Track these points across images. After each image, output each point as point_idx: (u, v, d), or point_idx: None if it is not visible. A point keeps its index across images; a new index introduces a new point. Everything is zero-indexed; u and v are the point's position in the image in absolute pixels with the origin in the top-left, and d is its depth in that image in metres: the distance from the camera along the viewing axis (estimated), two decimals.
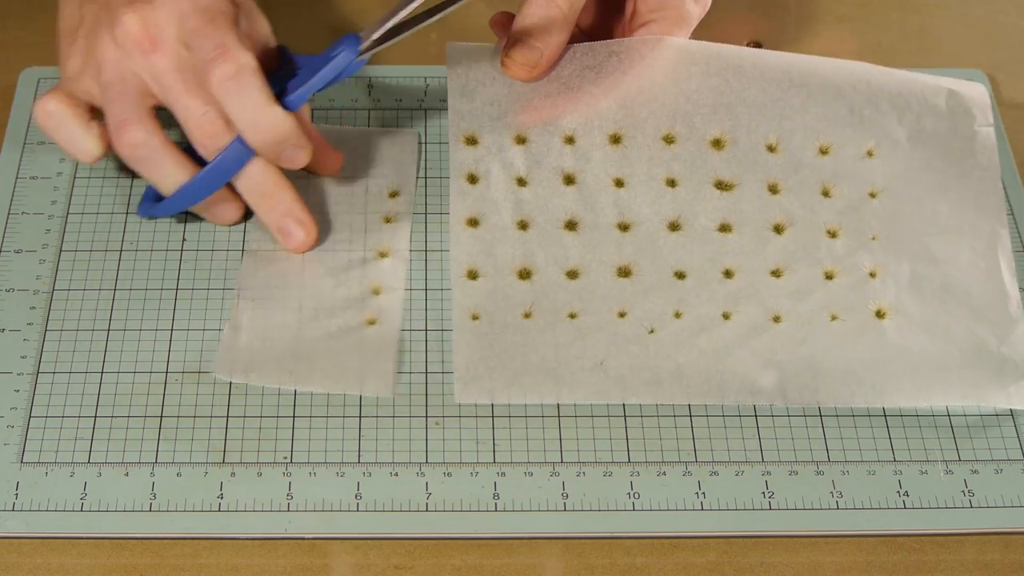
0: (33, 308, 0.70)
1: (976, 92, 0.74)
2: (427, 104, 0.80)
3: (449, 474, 0.65)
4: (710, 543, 0.63)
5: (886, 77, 0.74)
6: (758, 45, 0.84)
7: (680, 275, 0.70)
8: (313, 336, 0.68)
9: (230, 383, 0.67)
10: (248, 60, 0.66)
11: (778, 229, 0.71)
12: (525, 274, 0.70)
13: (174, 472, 0.64)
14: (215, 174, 0.68)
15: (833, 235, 0.71)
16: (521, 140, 0.72)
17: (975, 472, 0.65)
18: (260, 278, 0.70)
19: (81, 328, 0.69)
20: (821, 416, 0.67)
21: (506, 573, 0.62)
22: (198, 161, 0.69)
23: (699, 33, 0.74)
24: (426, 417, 0.66)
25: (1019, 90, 0.82)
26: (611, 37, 0.75)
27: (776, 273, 0.70)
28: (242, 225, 0.73)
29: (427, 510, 0.63)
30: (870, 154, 0.73)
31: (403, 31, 0.69)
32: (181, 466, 0.64)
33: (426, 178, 0.76)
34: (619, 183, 0.72)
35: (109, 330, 0.69)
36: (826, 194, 0.72)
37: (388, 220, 0.73)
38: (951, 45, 0.85)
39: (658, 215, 0.71)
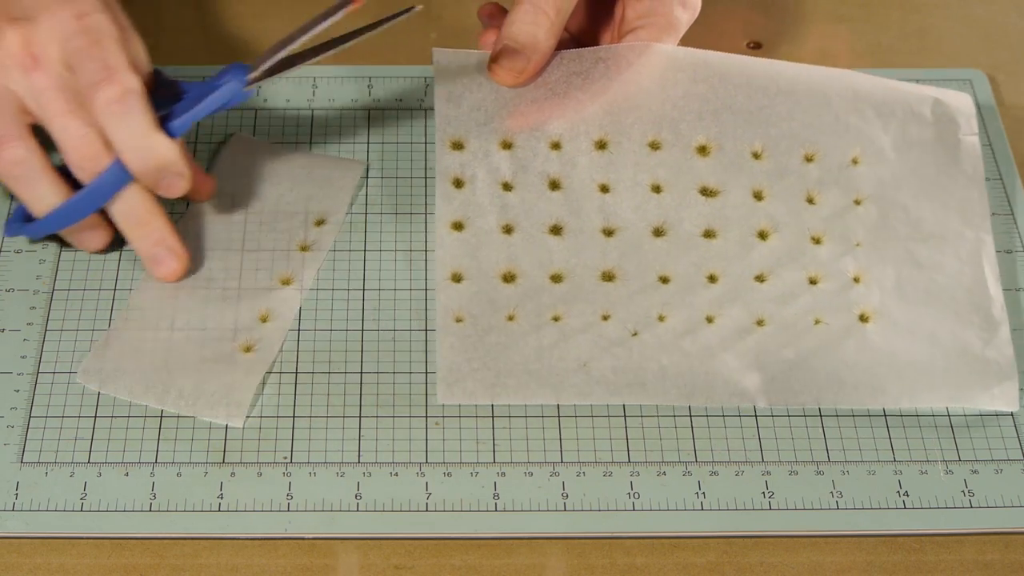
0: (33, 308, 0.70)
1: (961, 101, 0.75)
2: (427, 104, 0.80)
3: (449, 474, 0.65)
4: (710, 543, 0.63)
5: (871, 85, 0.74)
6: (758, 45, 0.84)
7: (664, 279, 0.70)
8: (184, 356, 0.67)
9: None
10: (135, 84, 0.64)
11: (762, 235, 0.71)
12: (509, 277, 0.70)
13: (174, 472, 0.64)
14: (91, 198, 0.66)
15: (818, 241, 0.71)
16: (507, 145, 0.72)
17: (975, 472, 0.65)
18: (152, 291, 0.70)
19: (81, 328, 0.69)
20: (821, 416, 0.67)
21: (506, 573, 0.62)
22: (73, 184, 0.67)
23: (699, 33, 0.75)
24: (426, 417, 0.66)
25: (1019, 90, 0.82)
26: (599, 43, 0.75)
27: (760, 278, 0.70)
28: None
29: (427, 510, 0.63)
30: (855, 162, 0.73)
31: (297, 63, 0.68)
32: (181, 466, 0.64)
33: (426, 179, 0.76)
34: (604, 188, 0.72)
35: (109, 330, 0.69)
36: (811, 201, 0.72)
37: (304, 248, 0.72)
38: (951, 45, 0.85)
39: (643, 220, 0.71)
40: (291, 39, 0.67)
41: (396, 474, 0.64)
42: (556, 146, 0.72)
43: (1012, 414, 0.67)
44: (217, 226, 0.73)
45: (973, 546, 0.63)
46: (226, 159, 0.76)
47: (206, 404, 0.66)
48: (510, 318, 0.68)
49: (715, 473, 0.65)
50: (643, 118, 0.73)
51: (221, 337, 0.68)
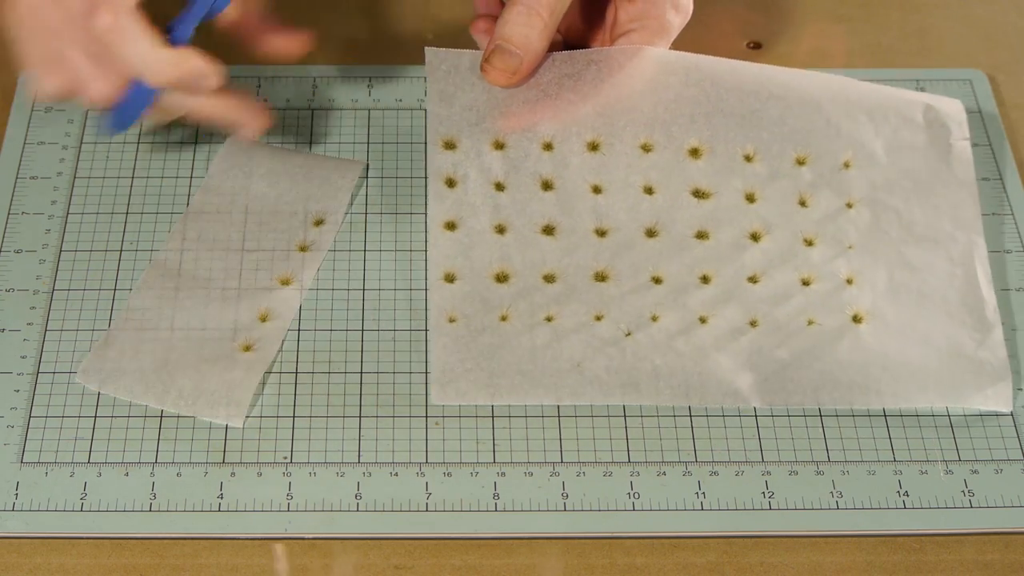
0: (33, 308, 0.70)
1: (953, 107, 0.75)
2: (427, 104, 0.79)
3: (449, 474, 0.65)
4: (710, 543, 0.63)
5: (863, 90, 0.75)
6: (758, 45, 0.84)
7: (657, 280, 0.70)
8: (183, 356, 0.67)
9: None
10: (126, 4, 0.64)
11: (755, 237, 0.71)
12: (502, 277, 0.70)
13: (174, 472, 0.64)
14: (135, 103, 0.66)
15: (810, 243, 0.71)
16: (499, 145, 0.72)
17: (975, 472, 0.65)
18: (152, 291, 0.70)
19: (81, 328, 0.69)
20: (821, 416, 0.67)
21: (506, 573, 0.62)
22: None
23: (699, 33, 0.75)
24: (426, 417, 0.66)
25: (1019, 90, 0.82)
26: (591, 46, 0.75)
27: (753, 279, 0.70)
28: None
29: (427, 510, 0.63)
30: (847, 165, 0.73)
31: None
32: (181, 466, 0.64)
33: (425, 179, 0.76)
34: (597, 189, 0.72)
35: (109, 330, 0.69)
36: (803, 203, 0.72)
37: (303, 248, 0.72)
38: (951, 45, 0.85)
39: (635, 221, 0.71)
40: None
41: (396, 474, 0.64)
42: (548, 147, 0.72)
43: (1012, 414, 0.67)
44: (216, 226, 0.73)
45: (973, 546, 0.63)
46: (225, 159, 0.76)
47: (206, 404, 0.66)
48: (503, 318, 0.68)
49: (715, 473, 0.65)
50: (635, 120, 0.73)
51: (221, 337, 0.68)
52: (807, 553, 0.63)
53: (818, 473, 0.65)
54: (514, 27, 0.69)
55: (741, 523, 0.63)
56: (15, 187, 0.75)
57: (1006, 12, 0.87)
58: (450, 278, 0.70)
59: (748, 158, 0.73)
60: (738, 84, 0.73)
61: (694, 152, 0.73)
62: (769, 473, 0.65)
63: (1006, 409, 0.67)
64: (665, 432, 0.66)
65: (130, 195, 0.75)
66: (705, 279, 0.70)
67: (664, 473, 0.65)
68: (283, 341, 0.69)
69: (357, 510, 0.63)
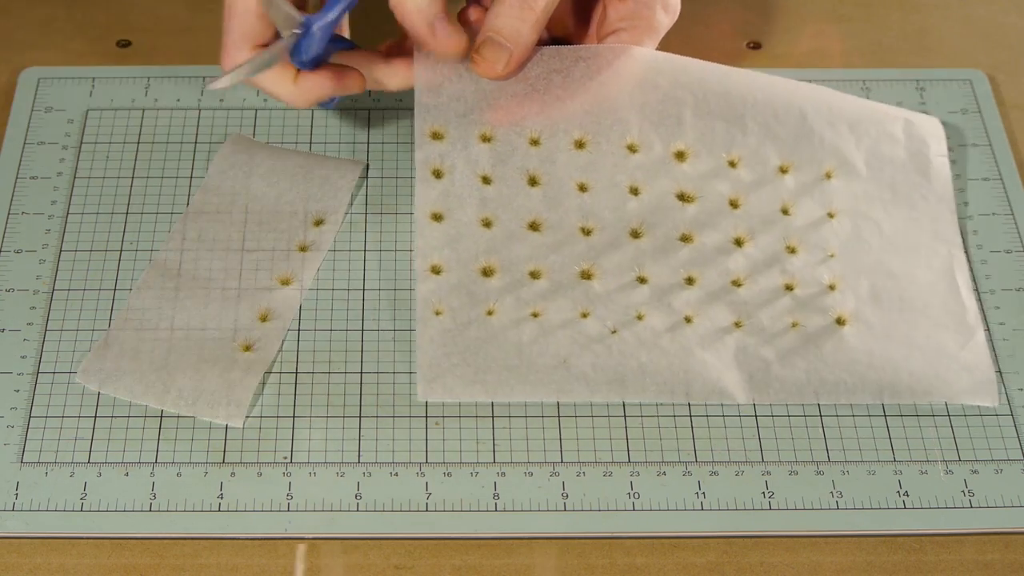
0: (33, 308, 0.70)
1: (931, 124, 0.76)
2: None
3: (449, 474, 0.65)
4: (710, 543, 0.63)
5: (845, 102, 0.75)
6: (757, 45, 0.84)
7: (642, 280, 0.70)
8: (183, 356, 0.67)
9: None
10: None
11: (739, 242, 0.71)
12: (489, 271, 0.70)
13: (174, 472, 0.64)
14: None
15: (792, 251, 0.71)
16: (486, 138, 0.72)
17: (975, 472, 0.65)
18: (152, 291, 0.70)
19: (81, 328, 0.69)
20: (821, 416, 0.67)
21: (506, 573, 0.62)
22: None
23: (699, 33, 0.75)
24: (426, 417, 0.66)
25: (1019, 90, 0.82)
26: (578, 42, 0.75)
27: (737, 283, 0.70)
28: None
29: (427, 510, 0.63)
30: (829, 175, 0.73)
31: None
32: (181, 466, 0.64)
33: None
34: (583, 187, 0.72)
35: (109, 330, 0.69)
36: (785, 212, 0.72)
37: (303, 248, 0.72)
38: (951, 45, 0.85)
39: (621, 221, 0.71)
40: None
41: (396, 474, 0.64)
42: (535, 143, 0.72)
43: (1012, 414, 0.67)
44: (216, 226, 0.73)
45: (973, 546, 0.63)
46: (225, 159, 0.76)
47: (206, 404, 0.66)
48: (489, 312, 0.68)
49: (715, 473, 0.65)
50: (622, 120, 0.73)
51: (221, 337, 0.68)
52: (807, 553, 0.63)
53: (818, 473, 0.65)
54: (506, 20, 0.69)
55: (741, 523, 0.63)
56: (15, 187, 0.75)
57: (1006, 12, 0.87)
58: (437, 270, 0.70)
59: (733, 164, 0.73)
60: (725, 89, 0.73)
61: (680, 155, 0.73)
62: (769, 473, 0.65)
63: (991, 404, 0.67)
64: (665, 432, 0.66)
65: (130, 195, 0.75)
66: (690, 280, 0.70)
67: (664, 473, 0.65)
68: (283, 341, 0.69)
69: (357, 510, 0.63)
